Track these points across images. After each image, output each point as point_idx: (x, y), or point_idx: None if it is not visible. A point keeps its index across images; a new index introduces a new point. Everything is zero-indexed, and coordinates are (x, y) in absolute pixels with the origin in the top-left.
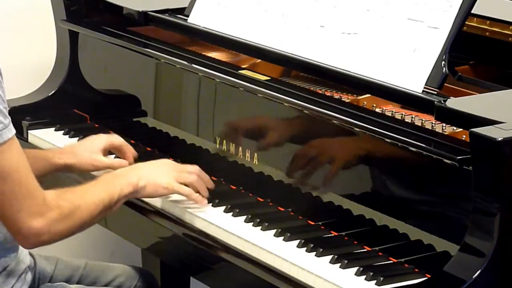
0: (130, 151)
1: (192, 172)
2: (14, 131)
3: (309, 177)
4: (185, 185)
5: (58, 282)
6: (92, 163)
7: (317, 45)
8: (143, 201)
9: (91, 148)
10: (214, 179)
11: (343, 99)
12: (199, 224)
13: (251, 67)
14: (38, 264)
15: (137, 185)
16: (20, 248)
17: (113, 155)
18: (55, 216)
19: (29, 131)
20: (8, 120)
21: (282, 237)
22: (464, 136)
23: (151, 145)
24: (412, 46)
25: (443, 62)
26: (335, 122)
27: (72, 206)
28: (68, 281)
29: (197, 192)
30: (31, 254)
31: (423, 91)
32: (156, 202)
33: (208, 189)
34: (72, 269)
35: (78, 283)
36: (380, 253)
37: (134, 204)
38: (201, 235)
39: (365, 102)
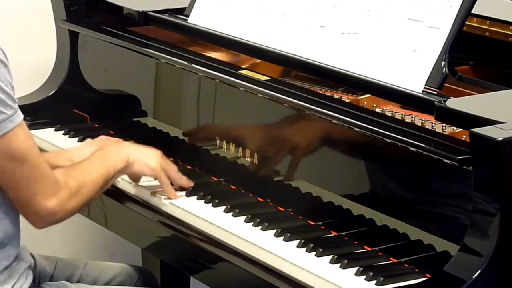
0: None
1: (174, 166)
2: (22, 115)
3: (309, 177)
4: None
5: (58, 280)
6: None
7: (317, 45)
8: (143, 201)
9: (84, 152)
10: (214, 179)
11: (343, 99)
12: (199, 224)
13: (251, 67)
14: (38, 264)
15: (128, 160)
16: (21, 247)
17: None
18: (66, 194)
19: (29, 131)
20: (16, 105)
21: (282, 237)
22: (464, 136)
23: (151, 145)
24: (412, 46)
25: (443, 62)
26: (335, 122)
27: (78, 184)
28: (68, 280)
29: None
30: (31, 254)
31: (423, 91)
32: (156, 202)
33: (208, 188)
34: (72, 268)
35: (78, 282)
36: (380, 253)
37: (134, 204)
38: (201, 235)
39: (365, 102)
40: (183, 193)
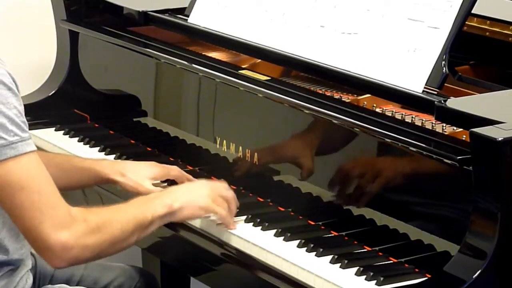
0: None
1: (228, 191)
2: (34, 147)
3: (308, 177)
4: None
5: (58, 282)
6: (136, 188)
7: (317, 45)
8: None
9: (141, 174)
10: (214, 179)
11: (343, 99)
12: (199, 224)
13: (251, 67)
14: (39, 264)
15: (172, 206)
16: (23, 250)
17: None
18: (82, 228)
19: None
20: (26, 135)
21: (282, 237)
22: (464, 136)
23: (151, 145)
24: (412, 46)
25: (443, 62)
26: (335, 122)
27: (101, 220)
28: (69, 281)
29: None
30: (32, 254)
31: (423, 91)
32: None
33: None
34: (72, 269)
35: (78, 283)
36: (380, 253)
37: None
38: (201, 235)
39: (365, 102)
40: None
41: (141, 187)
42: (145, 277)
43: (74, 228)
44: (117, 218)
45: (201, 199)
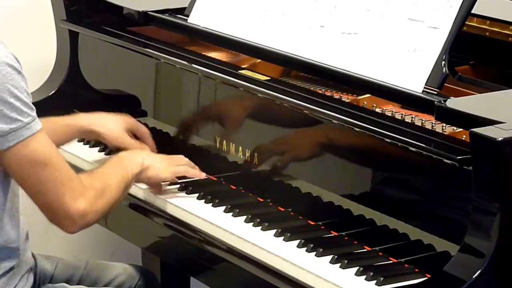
0: (151, 140)
1: (181, 157)
2: (41, 124)
3: (309, 177)
4: None
5: (58, 282)
6: (117, 138)
7: (317, 45)
8: (143, 201)
9: (119, 124)
10: (214, 179)
11: (343, 99)
12: (199, 224)
13: (251, 67)
14: (39, 264)
15: (143, 164)
16: (23, 249)
17: None
18: (93, 195)
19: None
20: (35, 114)
21: (282, 237)
22: (464, 136)
23: None
24: (412, 46)
25: (443, 62)
26: (335, 122)
27: (104, 185)
28: (69, 281)
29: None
30: (32, 254)
31: (423, 91)
32: (157, 202)
33: (208, 188)
34: (73, 268)
35: (78, 283)
36: (380, 253)
37: (134, 204)
38: (201, 235)
39: (365, 102)
40: (184, 192)
41: (122, 138)
42: (145, 275)
43: (87, 195)
44: (112, 181)
45: (164, 163)
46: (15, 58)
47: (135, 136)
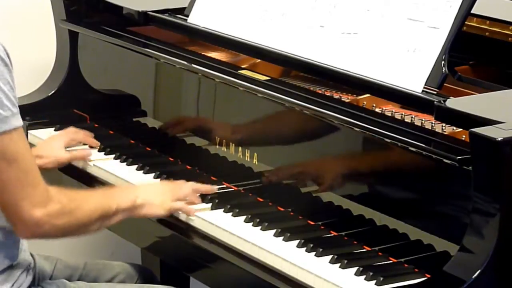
0: (91, 138)
1: (185, 187)
2: (21, 121)
3: (308, 177)
4: None
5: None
6: (57, 160)
7: (317, 45)
8: None
9: (53, 146)
10: (214, 179)
11: (343, 99)
12: (199, 224)
13: (251, 67)
14: (38, 264)
15: (135, 202)
16: (21, 248)
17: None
18: (56, 209)
19: (29, 131)
20: (16, 110)
21: (282, 237)
22: (464, 136)
23: (151, 145)
24: (412, 46)
25: (443, 62)
26: (335, 122)
27: (73, 204)
28: (68, 280)
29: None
30: (31, 254)
31: (423, 91)
32: None
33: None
34: (72, 269)
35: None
36: (380, 253)
37: None
38: (201, 235)
39: (365, 102)
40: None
41: (60, 158)
42: (144, 274)
43: (49, 207)
44: (87, 204)
45: (160, 198)
46: (5, 50)
47: None
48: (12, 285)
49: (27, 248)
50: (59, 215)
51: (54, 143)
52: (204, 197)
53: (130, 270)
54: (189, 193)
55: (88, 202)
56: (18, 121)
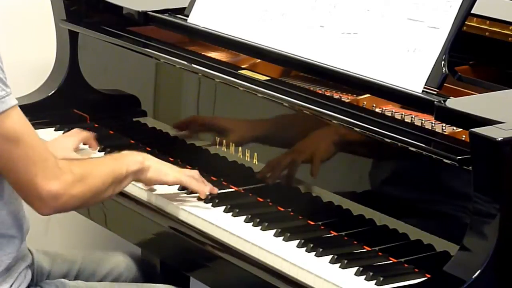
0: (94, 144)
1: (193, 170)
2: (15, 100)
3: (308, 177)
4: None
5: (56, 277)
6: None
7: (317, 45)
8: (143, 200)
9: (64, 146)
10: (214, 179)
11: (343, 99)
12: (199, 224)
13: (251, 67)
14: (36, 260)
15: (143, 163)
16: (20, 247)
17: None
18: (70, 179)
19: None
20: (9, 89)
21: (282, 237)
22: (464, 136)
23: (151, 145)
24: (412, 46)
25: (443, 62)
26: (335, 122)
27: (84, 172)
28: (66, 276)
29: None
30: (30, 251)
31: (423, 91)
32: (156, 202)
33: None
34: (69, 263)
35: (76, 277)
36: (380, 253)
37: (134, 203)
38: (201, 235)
39: (365, 102)
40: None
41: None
42: (143, 266)
43: (62, 178)
44: (97, 170)
45: (169, 167)
46: None
47: None
48: (11, 285)
49: (26, 247)
50: (74, 184)
51: (65, 143)
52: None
53: (128, 262)
54: (196, 175)
55: (98, 168)
56: (13, 100)
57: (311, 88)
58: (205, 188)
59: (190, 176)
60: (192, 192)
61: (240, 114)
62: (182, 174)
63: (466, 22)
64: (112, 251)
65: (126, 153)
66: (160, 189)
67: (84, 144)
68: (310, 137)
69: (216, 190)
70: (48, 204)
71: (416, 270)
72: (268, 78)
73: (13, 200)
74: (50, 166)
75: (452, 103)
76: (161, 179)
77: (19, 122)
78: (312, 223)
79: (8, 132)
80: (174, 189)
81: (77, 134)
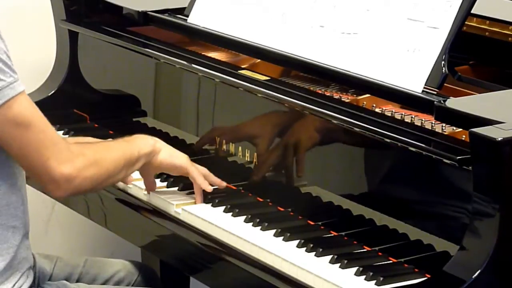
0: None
1: (202, 167)
2: (23, 85)
3: (308, 177)
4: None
5: (57, 280)
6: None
7: (317, 45)
8: (143, 200)
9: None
10: None
11: (343, 99)
12: (199, 224)
13: (251, 67)
14: (38, 263)
15: (155, 146)
16: (22, 247)
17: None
18: (83, 162)
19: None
20: (17, 75)
21: (282, 237)
22: (464, 136)
23: None
24: (412, 46)
25: (443, 62)
26: (335, 122)
27: (97, 154)
28: (68, 280)
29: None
30: (32, 254)
31: (423, 91)
32: (156, 201)
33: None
34: (71, 267)
35: (77, 280)
36: (380, 253)
37: (133, 203)
38: (201, 235)
39: (365, 102)
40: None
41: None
42: (145, 271)
43: (75, 161)
44: (110, 154)
45: (180, 153)
46: None
47: None
48: (14, 285)
49: (29, 246)
50: (87, 166)
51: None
52: (204, 197)
53: (130, 268)
54: (204, 171)
55: (110, 151)
56: (21, 86)
57: (311, 88)
58: (208, 186)
59: (198, 171)
60: (192, 192)
61: (240, 114)
62: (192, 164)
63: (466, 22)
64: (113, 258)
65: (138, 136)
66: (160, 189)
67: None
68: (310, 137)
69: (224, 184)
70: (62, 187)
71: (416, 270)
72: (268, 78)
73: (23, 189)
74: (62, 149)
75: (452, 103)
76: (173, 161)
77: (29, 107)
78: (312, 223)
79: (18, 117)
80: (174, 189)
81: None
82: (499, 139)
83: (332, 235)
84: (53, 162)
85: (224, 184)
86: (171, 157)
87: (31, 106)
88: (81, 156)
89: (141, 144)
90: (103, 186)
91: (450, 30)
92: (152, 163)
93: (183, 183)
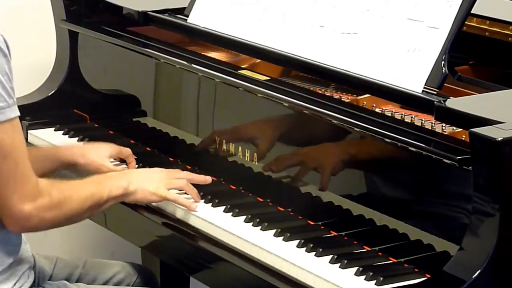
0: (133, 163)
1: (181, 177)
2: (18, 112)
3: (308, 177)
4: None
5: (57, 280)
6: (98, 167)
7: (317, 45)
8: None
9: (101, 153)
10: (214, 179)
11: (343, 99)
12: (199, 224)
13: (251, 67)
14: (38, 263)
15: (127, 189)
16: (23, 248)
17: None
18: (45, 203)
19: (28, 131)
20: (12, 101)
21: (282, 237)
22: (464, 136)
23: (151, 145)
24: (412, 46)
25: (443, 62)
26: (335, 122)
27: (63, 196)
28: (68, 279)
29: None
30: (32, 254)
31: (423, 91)
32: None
33: (207, 188)
34: (71, 267)
35: (77, 281)
36: (380, 253)
37: (134, 204)
38: (201, 234)
39: (365, 102)
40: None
41: (103, 167)
42: (144, 273)
43: (38, 201)
44: (77, 195)
45: (152, 184)
46: (5, 41)
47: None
48: (14, 285)
49: (29, 247)
50: (48, 208)
51: (102, 150)
52: (204, 197)
53: (129, 269)
54: (184, 186)
55: (79, 192)
56: (13, 112)
57: (311, 88)
58: (192, 204)
59: (182, 179)
60: None
61: (240, 114)
62: (167, 193)
63: (466, 22)
64: (113, 258)
65: (111, 176)
66: None
67: (122, 160)
68: (309, 137)
69: (209, 178)
70: (18, 223)
71: (416, 270)
72: (268, 78)
73: None
74: (30, 186)
75: (452, 103)
76: (149, 199)
77: (12, 136)
78: (312, 223)
79: (0, 146)
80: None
81: (116, 146)
82: (499, 139)
83: (332, 235)
84: (16, 198)
85: (209, 178)
86: (146, 197)
87: (16, 136)
88: (47, 197)
89: (112, 186)
90: (63, 225)
91: (450, 30)
92: (129, 202)
93: None
